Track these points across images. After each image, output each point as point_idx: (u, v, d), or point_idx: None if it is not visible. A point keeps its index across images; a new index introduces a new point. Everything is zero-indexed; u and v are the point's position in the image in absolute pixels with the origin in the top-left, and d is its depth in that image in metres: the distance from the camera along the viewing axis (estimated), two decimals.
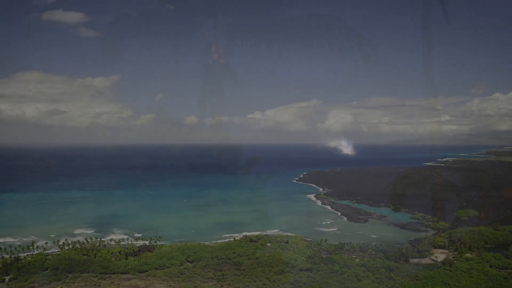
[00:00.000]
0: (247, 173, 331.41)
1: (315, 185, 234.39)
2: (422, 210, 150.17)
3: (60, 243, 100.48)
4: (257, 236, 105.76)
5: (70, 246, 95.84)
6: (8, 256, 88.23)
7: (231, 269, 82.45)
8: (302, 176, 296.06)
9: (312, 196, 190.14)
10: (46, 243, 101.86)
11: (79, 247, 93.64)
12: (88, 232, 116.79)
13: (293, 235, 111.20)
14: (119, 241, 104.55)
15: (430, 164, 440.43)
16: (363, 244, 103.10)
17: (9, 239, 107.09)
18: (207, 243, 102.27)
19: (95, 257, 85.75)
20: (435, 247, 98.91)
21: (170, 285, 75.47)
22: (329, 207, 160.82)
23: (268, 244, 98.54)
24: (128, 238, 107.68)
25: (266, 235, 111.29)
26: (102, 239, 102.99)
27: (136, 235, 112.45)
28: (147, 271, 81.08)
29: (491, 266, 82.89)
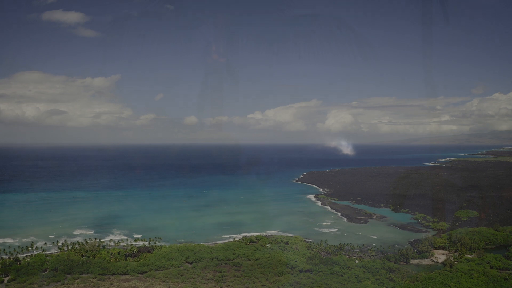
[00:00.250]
0: (247, 173, 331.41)
1: (315, 186, 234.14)
2: (422, 210, 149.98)
3: (59, 244, 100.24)
4: (257, 236, 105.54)
5: (69, 247, 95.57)
6: (7, 257, 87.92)
7: (231, 270, 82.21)
8: (302, 176, 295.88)
9: (312, 197, 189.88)
10: (45, 244, 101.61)
11: (78, 248, 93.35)
12: (88, 232, 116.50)
13: (293, 235, 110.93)
14: (119, 242, 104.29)
15: (430, 164, 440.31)
16: (363, 245, 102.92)
17: (9, 240, 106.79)
18: (206, 243, 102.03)
19: (95, 258, 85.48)
20: (435, 248, 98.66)
21: (169, 286, 75.14)
22: (329, 208, 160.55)
23: (268, 245, 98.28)
24: (127, 239, 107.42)
25: (266, 235, 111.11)
26: (102, 240, 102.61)
27: (136, 235, 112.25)
28: (146, 272, 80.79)
29: (491, 267, 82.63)
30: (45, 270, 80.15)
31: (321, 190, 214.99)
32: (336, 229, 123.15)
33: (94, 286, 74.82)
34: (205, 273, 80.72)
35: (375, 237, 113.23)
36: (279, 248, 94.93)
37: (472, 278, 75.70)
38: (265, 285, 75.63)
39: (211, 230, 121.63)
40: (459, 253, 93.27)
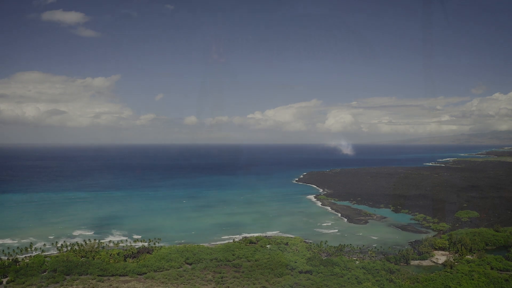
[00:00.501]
0: (247, 173, 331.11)
1: (315, 186, 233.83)
2: (423, 211, 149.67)
3: (59, 244, 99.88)
4: (256, 237, 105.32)
5: (69, 248, 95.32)
6: (6, 258, 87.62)
7: (230, 271, 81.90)
8: (302, 176, 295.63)
9: (312, 197, 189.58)
10: (44, 244, 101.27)
11: (77, 248, 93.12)
12: (87, 233, 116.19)
13: (293, 236, 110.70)
14: (118, 242, 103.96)
15: (430, 164, 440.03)
16: (363, 245, 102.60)
17: (8, 241, 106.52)
18: (206, 244, 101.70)
19: (94, 259, 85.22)
20: (436, 249, 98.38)
21: None
22: (329, 208, 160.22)
23: (268, 246, 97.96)
24: (127, 240, 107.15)
25: (266, 236, 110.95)
26: (101, 241, 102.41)
27: (135, 236, 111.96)
28: (145, 273, 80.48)
29: (492, 269, 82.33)
30: (44, 271, 79.85)
31: (321, 190, 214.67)
32: (336, 230, 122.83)
33: (93, 287, 74.51)
34: (205, 274, 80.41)
35: (375, 238, 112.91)
36: (279, 249, 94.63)
37: (473, 280, 75.37)
38: (264, 287, 75.30)
39: (210, 231, 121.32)
40: (460, 254, 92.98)
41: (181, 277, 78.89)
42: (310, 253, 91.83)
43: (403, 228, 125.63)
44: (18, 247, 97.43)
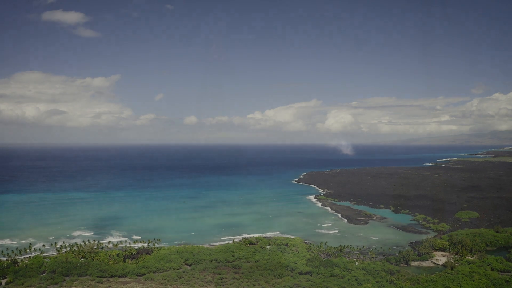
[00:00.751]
0: (247, 173, 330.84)
1: (315, 186, 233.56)
2: (423, 211, 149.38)
3: (58, 245, 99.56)
4: (256, 238, 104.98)
5: (68, 249, 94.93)
6: (5, 259, 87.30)
7: (230, 273, 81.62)
8: (302, 176, 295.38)
9: (312, 197, 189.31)
10: (44, 245, 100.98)
11: (76, 249, 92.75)
12: (87, 234, 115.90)
13: (293, 237, 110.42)
14: (117, 243, 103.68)
15: (430, 164, 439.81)
16: (364, 246, 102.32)
17: (7, 241, 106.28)
18: (206, 245, 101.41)
19: (93, 260, 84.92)
20: (436, 250, 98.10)
21: None
22: (329, 209, 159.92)
23: (268, 247, 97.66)
24: (126, 241, 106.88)
25: (266, 237, 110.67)
26: (100, 242, 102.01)
27: (135, 237, 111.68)
28: (145, 274, 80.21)
29: (492, 270, 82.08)
30: (43, 272, 79.60)
31: (321, 190, 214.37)
32: (336, 231, 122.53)
33: None
34: (204, 276, 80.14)
35: (375, 238, 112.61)
36: (279, 250, 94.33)
37: (473, 281, 75.10)
38: None
39: (210, 232, 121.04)
40: (460, 255, 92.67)
41: (180, 278, 78.62)
42: (310, 254, 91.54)
43: (403, 228, 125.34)
44: (17, 248, 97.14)
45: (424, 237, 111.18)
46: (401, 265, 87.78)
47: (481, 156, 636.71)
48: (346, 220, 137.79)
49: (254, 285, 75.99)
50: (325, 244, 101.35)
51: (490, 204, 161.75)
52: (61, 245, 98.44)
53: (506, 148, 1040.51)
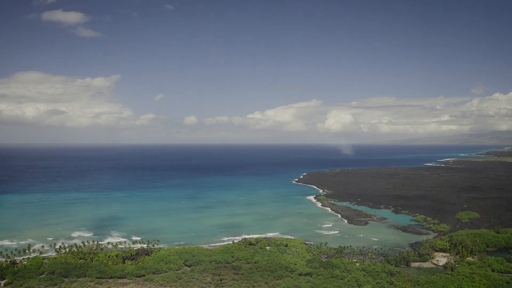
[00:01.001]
0: (247, 173, 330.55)
1: (315, 186, 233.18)
2: (423, 212, 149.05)
3: (57, 246, 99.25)
4: (256, 239, 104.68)
5: (67, 250, 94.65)
6: (4, 260, 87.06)
7: (230, 274, 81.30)
8: (301, 177, 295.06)
9: (312, 198, 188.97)
10: (43, 246, 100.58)
11: (76, 250, 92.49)
12: (86, 235, 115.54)
13: (293, 238, 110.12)
14: (117, 244, 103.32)
15: (430, 164, 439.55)
16: (364, 247, 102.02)
17: (6, 242, 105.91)
18: (205, 246, 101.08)
19: (92, 261, 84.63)
20: (436, 251, 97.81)
21: None
22: (329, 209, 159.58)
23: (268, 248, 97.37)
24: (126, 241, 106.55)
25: (266, 238, 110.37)
26: (100, 242, 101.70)
27: (134, 238, 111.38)
28: (144, 275, 79.90)
29: (493, 271, 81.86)
30: (42, 273, 79.32)
31: (321, 191, 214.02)
32: (336, 231, 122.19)
33: None
34: (204, 277, 79.82)
35: (375, 239, 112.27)
36: (279, 251, 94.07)
37: (474, 282, 74.82)
38: None
39: (210, 232, 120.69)
40: (460, 256, 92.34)
41: (180, 279, 78.30)
42: (310, 255, 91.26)
43: (404, 229, 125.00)
44: (16, 249, 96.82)
45: (424, 237, 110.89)
46: (402, 266, 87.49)
47: (481, 156, 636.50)
48: (346, 221, 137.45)
49: (253, 287, 75.65)
50: (325, 245, 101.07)
51: (491, 204, 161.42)
52: (60, 246, 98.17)
53: (506, 148, 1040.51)
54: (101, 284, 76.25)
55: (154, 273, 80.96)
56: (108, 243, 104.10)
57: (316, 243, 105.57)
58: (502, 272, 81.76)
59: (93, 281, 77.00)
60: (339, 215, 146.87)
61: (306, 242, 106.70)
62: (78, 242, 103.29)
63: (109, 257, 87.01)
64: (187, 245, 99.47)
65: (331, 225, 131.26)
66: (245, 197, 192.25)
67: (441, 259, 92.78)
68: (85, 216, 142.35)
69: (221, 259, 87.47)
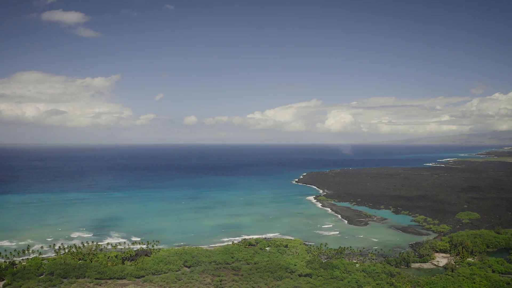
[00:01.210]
0: (247, 174, 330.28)
1: (315, 187, 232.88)
2: (423, 212, 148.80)
3: (56, 247, 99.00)
4: (256, 239, 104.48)
5: (66, 250, 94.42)
6: (3, 260, 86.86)
7: (229, 275, 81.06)
8: (301, 177, 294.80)
9: (312, 198, 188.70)
10: (42, 247, 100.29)
11: (75, 251, 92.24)
12: (86, 235, 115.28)
13: (293, 238, 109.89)
14: (116, 245, 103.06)
15: (430, 164, 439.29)
16: (364, 248, 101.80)
17: (6, 243, 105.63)
18: (205, 247, 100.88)
19: (91, 261, 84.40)
20: (437, 251, 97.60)
21: None
22: (329, 210, 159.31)
23: (267, 248, 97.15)
24: (125, 242, 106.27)
25: (265, 238, 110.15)
26: (99, 243, 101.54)
27: (134, 238, 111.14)
28: (143, 276, 79.69)
29: (493, 272, 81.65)
30: (41, 274, 79.11)
31: (321, 191, 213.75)
32: (336, 232, 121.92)
33: None
34: (203, 278, 79.59)
35: (375, 240, 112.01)
36: (279, 252, 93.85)
37: (474, 283, 74.60)
38: None
39: (210, 233, 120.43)
40: (461, 257, 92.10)
41: (179, 280, 78.08)
42: (310, 256, 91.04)
43: (404, 230, 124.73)
44: (15, 250, 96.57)
45: (424, 238, 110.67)
46: (402, 267, 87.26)
47: (481, 156, 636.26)
48: (346, 221, 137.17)
49: (253, 287, 75.45)
50: (325, 245, 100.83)
51: (491, 204, 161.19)
52: (59, 247, 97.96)
53: (506, 148, 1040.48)
54: (100, 285, 76.02)
55: (153, 274, 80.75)
56: (108, 243, 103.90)
57: (316, 243, 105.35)
58: (502, 273, 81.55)
59: (92, 282, 76.79)
60: (339, 216, 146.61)
61: (306, 243, 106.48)
62: (77, 242, 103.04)
63: (108, 258, 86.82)
64: (186, 246, 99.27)
65: (331, 225, 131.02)
66: (245, 198, 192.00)
67: (442, 260, 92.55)
68: (84, 217, 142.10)
69: (220, 260, 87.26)
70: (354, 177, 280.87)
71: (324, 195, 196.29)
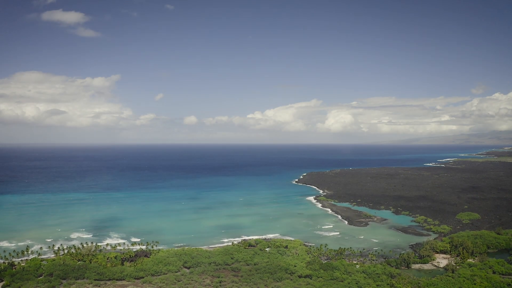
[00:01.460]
0: (247, 174, 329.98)
1: (315, 187, 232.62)
2: (423, 212, 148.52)
3: (55, 248, 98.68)
4: (256, 240, 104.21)
5: (65, 251, 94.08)
6: (2, 261, 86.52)
7: (229, 276, 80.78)
8: (301, 177, 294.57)
9: (312, 198, 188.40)
10: (41, 248, 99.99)
11: (74, 252, 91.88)
12: (85, 236, 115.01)
13: (293, 239, 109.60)
14: (116, 245, 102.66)
15: (430, 165, 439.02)
16: (364, 249, 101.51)
17: (5, 243, 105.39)
18: (205, 247, 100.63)
19: (91, 262, 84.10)
20: (437, 252, 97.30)
21: None
22: (329, 210, 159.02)
23: (267, 249, 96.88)
24: (124, 243, 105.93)
25: (265, 239, 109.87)
26: (98, 244, 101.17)
27: (133, 239, 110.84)
28: (143, 277, 79.37)
29: (494, 273, 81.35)
30: (40, 275, 78.82)
31: (321, 191, 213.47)
32: (336, 233, 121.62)
33: None
34: (203, 279, 79.30)
35: (376, 240, 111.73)
36: (278, 253, 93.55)
37: (475, 284, 74.30)
38: None
39: (210, 233, 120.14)
40: (461, 258, 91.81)
41: (179, 281, 77.78)
42: (310, 257, 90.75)
43: (404, 230, 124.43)
44: (14, 250, 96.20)
45: (425, 239, 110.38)
46: (402, 268, 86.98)
47: (481, 156, 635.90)
48: (346, 222, 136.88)
49: None
50: (325, 246, 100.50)
51: (491, 205, 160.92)
52: (58, 248, 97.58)
53: (506, 148, 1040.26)
54: (99, 286, 75.73)
55: (153, 275, 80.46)
56: (107, 244, 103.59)
57: (316, 244, 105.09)
58: (503, 274, 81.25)
59: (91, 283, 76.49)
60: (339, 216, 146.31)
61: (306, 244, 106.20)
62: (77, 243, 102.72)
63: (107, 259, 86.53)
64: (186, 247, 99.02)
65: (331, 226, 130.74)
66: (245, 198, 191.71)
67: (442, 260, 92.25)
68: (84, 217, 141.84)
69: (220, 260, 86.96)
70: (354, 177, 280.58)
71: (324, 196, 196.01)
